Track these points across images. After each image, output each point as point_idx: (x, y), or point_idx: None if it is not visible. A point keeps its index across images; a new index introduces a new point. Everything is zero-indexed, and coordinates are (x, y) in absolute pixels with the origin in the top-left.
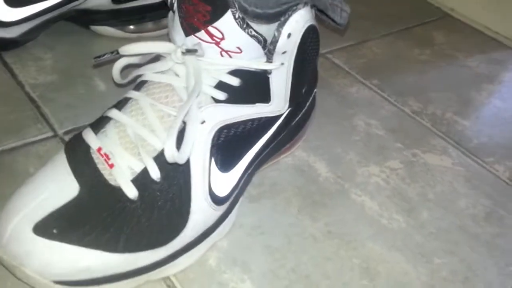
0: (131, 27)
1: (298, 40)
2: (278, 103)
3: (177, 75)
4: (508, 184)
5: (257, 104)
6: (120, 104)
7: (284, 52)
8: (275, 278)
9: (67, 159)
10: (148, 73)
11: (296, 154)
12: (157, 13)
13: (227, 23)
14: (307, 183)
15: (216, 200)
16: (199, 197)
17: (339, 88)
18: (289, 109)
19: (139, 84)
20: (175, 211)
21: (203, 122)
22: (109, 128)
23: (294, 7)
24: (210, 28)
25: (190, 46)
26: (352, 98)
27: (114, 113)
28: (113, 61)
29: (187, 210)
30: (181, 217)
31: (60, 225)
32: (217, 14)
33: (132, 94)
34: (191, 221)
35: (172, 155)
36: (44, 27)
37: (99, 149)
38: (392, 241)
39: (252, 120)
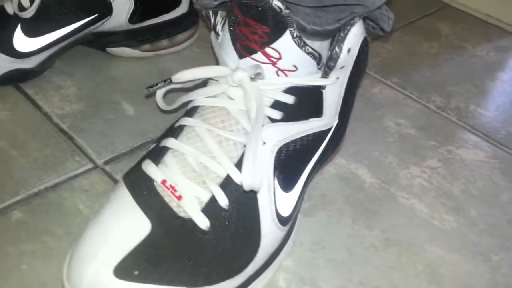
0: (147, 46)
1: (355, 54)
2: (330, 116)
3: (231, 98)
4: None
5: (310, 119)
6: (175, 133)
7: (342, 67)
8: None
9: (132, 194)
10: (200, 98)
11: (336, 162)
12: (173, 30)
13: (285, 43)
14: (354, 191)
15: (282, 220)
16: (268, 219)
17: (362, 90)
18: (338, 121)
19: (191, 110)
20: (247, 237)
21: (263, 144)
22: (168, 158)
23: (351, 21)
24: (267, 49)
25: (247, 69)
26: (377, 99)
27: (171, 142)
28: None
29: (258, 234)
30: (253, 242)
31: (140, 266)
32: (275, 35)
33: (187, 121)
34: (262, 244)
35: (250, 183)
36: (61, 53)
37: (164, 181)
38: (448, 242)
39: (307, 136)
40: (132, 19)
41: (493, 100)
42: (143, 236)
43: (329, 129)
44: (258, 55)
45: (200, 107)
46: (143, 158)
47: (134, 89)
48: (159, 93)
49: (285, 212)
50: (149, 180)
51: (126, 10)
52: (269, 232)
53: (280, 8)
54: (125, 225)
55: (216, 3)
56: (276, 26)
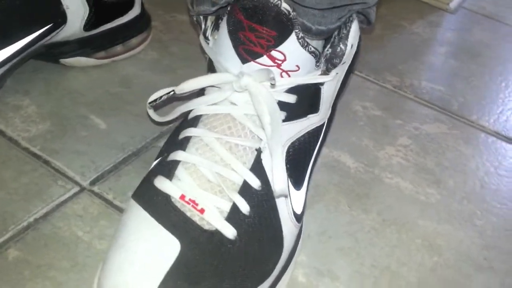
0: (102, 53)
1: (355, 49)
2: (325, 111)
3: (234, 103)
4: (497, 137)
5: (308, 116)
6: (181, 145)
7: (343, 63)
8: (362, 277)
9: (151, 214)
10: (201, 106)
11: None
12: (127, 34)
13: (291, 44)
14: (342, 179)
15: (297, 218)
16: (287, 219)
17: None
18: (329, 114)
19: (193, 120)
20: (272, 240)
21: None
22: (180, 171)
23: (350, 18)
24: (273, 52)
25: (253, 74)
26: None
27: (181, 155)
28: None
29: (280, 236)
30: (277, 244)
31: (180, 287)
32: (281, 38)
33: (192, 131)
34: (285, 245)
35: (283, 189)
36: (12, 71)
37: (183, 197)
38: (436, 215)
39: (308, 133)
40: (87, 26)
41: (440, 74)
42: (175, 256)
43: (324, 123)
44: (263, 59)
45: (203, 116)
46: (152, 175)
47: (99, 100)
48: (149, 106)
49: (299, 209)
50: (166, 197)
51: (80, 17)
52: (289, 231)
53: (289, 11)
54: (153, 248)
55: (214, 9)
56: (282, 29)
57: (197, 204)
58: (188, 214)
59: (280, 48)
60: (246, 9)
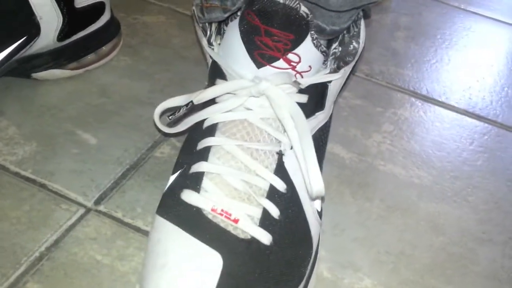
0: (74, 63)
1: (363, 46)
2: (329, 108)
3: (249, 109)
4: (466, 115)
5: (316, 114)
6: (202, 156)
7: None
8: (382, 264)
9: (185, 230)
10: (216, 115)
11: None
12: (99, 41)
13: (306, 46)
14: (341, 170)
15: (320, 215)
16: (312, 218)
17: None
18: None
19: (209, 129)
20: (303, 241)
21: (291, 148)
22: (206, 183)
23: (359, 15)
24: (289, 55)
25: (271, 78)
26: None
27: (204, 166)
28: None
29: (309, 236)
30: (308, 244)
31: None
32: (298, 41)
33: (212, 141)
34: (314, 244)
35: (320, 190)
36: None
37: (214, 209)
38: (432, 195)
39: (318, 130)
40: (61, 35)
41: (405, 59)
42: (220, 270)
43: (329, 121)
44: (279, 62)
45: (220, 124)
46: (176, 189)
47: (83, 114)
48: (157, 118)
49: (319, 206)
50: (197, 210)
51: (54, 27)
52: (315, 230)
53: (307, 14)
54: (197, 264)
55: (226, 15)
56: (300, 32)
57: (230, 214)
58: (222, 225)
59: (296, 50)
60: (262, 13)
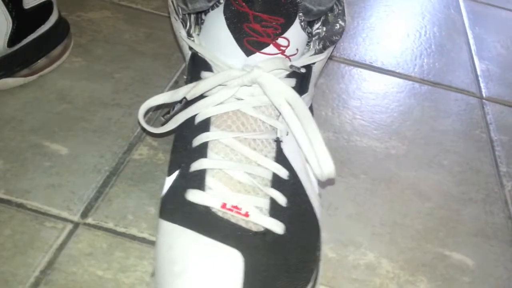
0: (26, 70)
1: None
2: (311, 90)
3: (240, 99)
4: (423, 83)
5: (302, 96)
6: (200, 152)
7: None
8: (379, 237)
9: (196, 230)
10: (208, 109)
11: None
12: (50, 43)
13: (295, 29)
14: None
15: (320, 196)
16: (315, 200)
17: None
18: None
19: (202, 124)
20: (311, 224)
21: (287, 134)
22: (210, 180)
23: None
24: (279, 40)
25: (262, 65)
26: None
27: (205, 163)
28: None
29: (316, 219)
30: (316, 227)
31: None
32: (287, 24)
33: (209, 136)
34: (320, 226)
35: (331, 172)
36: None
37: (224, 205)
38: (409, 164)
39: None
40: (11, 41)
41: (357, 33)
42: (242, 267)
43: (312, 103)
44: (270, 48)
45: (212, 118)
46: (179, 190)
47: (46, 124)
48: (142, 119)
49: (317, 189)
50: (207, 209)
51: (4, 32)
52: (319, 212)
53: None
54: (217, 266)
55: (211, 4)
56: (289, 15)
57: (240, 209)
58: (233, 220)
59: (285, 34)
60: None
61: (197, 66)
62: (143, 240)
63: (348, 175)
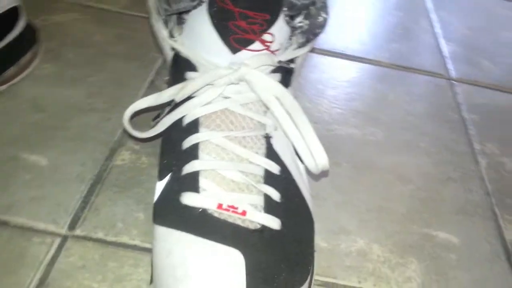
0: None
1: None
2: (294, 84)
3: (226, 97)
4: (393, 68)
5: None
6: (190, 154)
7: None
8: (367, 223)
9: (195, 233)
10: (196, 110)
11: None
12: (19, 50)
13: (279, 24)
14: None
15: (309, 188)
16: (307, 194)
17: None
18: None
19: (191, 126)
20: (305, 217)
21: (276, 129)
22: (203, 181)
23: None
24: (264, 36)
25: (249, 62)
26: None
27: (197, 165)
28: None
29: (309, 211)
30: (309, 220)
31: None
32: (272, 20)
33: (199, 137)
34: (313, 218)
35: (325, 164)
36: None
37: (220, 206)
38: (389, 149)
39: None
40: None
41: None
42: (243, 266)
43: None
44: (255, 45)
45: (200, 118)
46: (172, 194)
47: (22, 135)
48: (128, 124)
49: (307, 180)
50: (203, 211)
51: None
52: (310, 203)
53: None
54: (219, 267)
55: (194, 3)
56: (274, 10)
57: (236, 208)
58: (230, 220)
59: (271, 30)
60: None
61: (180, 67)
62: (135, 248)
63: (331, 164)
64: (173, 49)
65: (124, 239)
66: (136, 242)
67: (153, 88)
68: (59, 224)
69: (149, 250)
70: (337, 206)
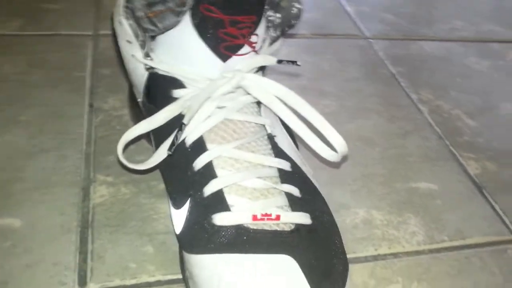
0: None
1: None
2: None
3: (223, 107)
4: (363, 38)
5: None
6: (207, 174)
7: None
8: (358, 193)
9: (240, 252)
10: (198, 128)
11: None
12: None
13: (263, 23)
14: None
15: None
16: (317, 184)
17: None
18: None
19: (196, 145)
20: (324, 206)
21: (274, 126)
22: (229, 198)
23: None
24: (251, 38)
25: (242, 67)
26: None
27: (217, 183)
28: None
29: (324, 200)
30: (327, 206)
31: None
32: (258, 20)
33: (211, 155)
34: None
35: (345, 150)
36: None
37: (255, 217)
38: (348, 116)
39: None
40: None
41: None
42: (299, 269)
43: None
44: (244, 48)
45: (204, 134)
46: (201, 220)
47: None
48: (122, 156)
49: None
50: (239, 227)
51: None
52: (322, 193)
53: None
54: (279, 277)
55: (180, 18)
56: (259, 11)
57: (270, 215)
58: (267, 228)
59: (256, 31)
60: (223, 3)
61: (163, 86)
62: (159, 283)
63: (301, 147)
64: (148, 69)
65: (144, 278)
66: (158, 277)
67: (97, 112)
68: (67, 284)
69: (174, 282)
70: (327, 184)
